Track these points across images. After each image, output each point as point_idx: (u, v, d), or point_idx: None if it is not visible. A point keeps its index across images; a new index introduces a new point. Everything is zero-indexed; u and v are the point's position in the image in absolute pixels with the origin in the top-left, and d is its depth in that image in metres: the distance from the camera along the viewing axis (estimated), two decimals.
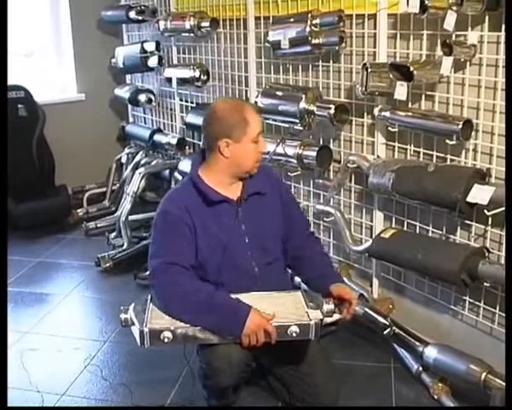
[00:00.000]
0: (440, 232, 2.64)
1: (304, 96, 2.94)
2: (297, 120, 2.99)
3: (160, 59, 4.17)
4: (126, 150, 4.83)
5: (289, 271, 2.42)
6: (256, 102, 3.21)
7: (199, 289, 1.98)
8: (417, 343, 2.49)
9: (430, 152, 2.61)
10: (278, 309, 1.99)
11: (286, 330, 1.92)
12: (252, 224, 2.13)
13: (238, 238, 2.11)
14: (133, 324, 1.98)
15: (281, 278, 2.26)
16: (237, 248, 2.10)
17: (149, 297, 2.08)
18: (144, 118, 4.89)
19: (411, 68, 2.39)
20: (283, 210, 2.24)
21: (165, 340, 1.91)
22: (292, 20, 3.00)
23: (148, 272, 3.42)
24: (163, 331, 1.91)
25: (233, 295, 2.00)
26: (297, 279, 2.58)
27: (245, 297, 2.01)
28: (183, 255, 2.03)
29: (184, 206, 2.07)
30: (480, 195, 2.26)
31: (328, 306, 2.03)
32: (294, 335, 1.92)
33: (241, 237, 2.11)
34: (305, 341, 2.03)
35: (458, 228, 2.55)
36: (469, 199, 2.28)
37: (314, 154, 2.97)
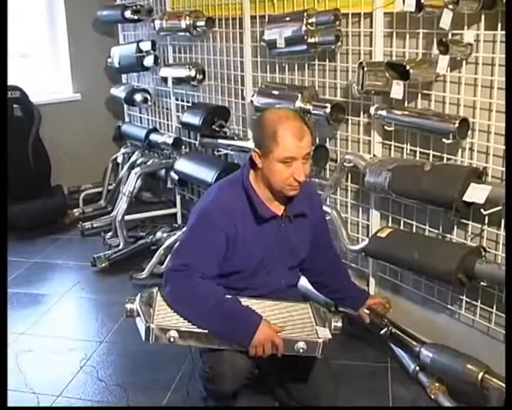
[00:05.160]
0: (437, 231, 2.63)
1: (300, 95, 2.94)
2: None
3: (156, 58, 4.17)
4: (122, 150, 4.81)
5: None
6: (252, 102, 3.21)
7: (212, 295, 1.95)
8: (414, 343, 2.48)
9: (426, 151, 2.60)
10: (286, 320, 2.00)
11: (293, 344, 1.91)
12: (290, 244, 2.12)
13: (274, 256, 2.09)
14: (138, 315, 1.96)
15: (294, 290, 2.29)
16: (271, 264, 2.10)
17: (156, 289, 2.07)
18: (140, 117, 4.88)
19: (407, 67, 2.38)
20: (315, 235, 2.22)
21: (171, 339, 1.89)
22: (288, 19, 2.99)
23: (144, 272, 3.48)
24: (170, 331, 1.89)
25: (244, 302, 1.99)
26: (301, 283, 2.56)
27: (254, 304, 2.00)
28: (208, 266, 1.99)
29: (232, 215, 2.00)
30: (476, 194, 2.25)
31: (337, 324, 2.04)
32: (301, 351, 1.91)
33: (277, 255, 2.10)
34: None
35: (455, 227, 2.55)
36: (466, 198, 2.28)
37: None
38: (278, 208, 2.08)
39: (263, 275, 2.10)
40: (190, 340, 1.93)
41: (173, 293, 1.98)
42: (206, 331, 1.91)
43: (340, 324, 2.04)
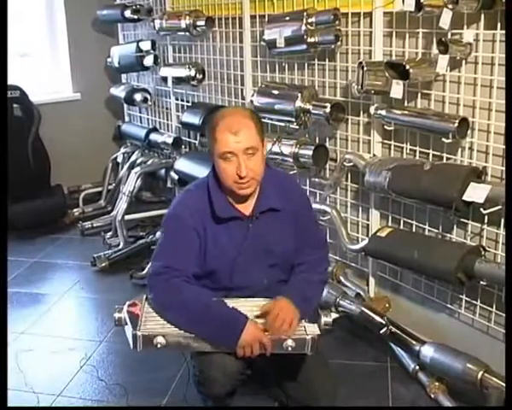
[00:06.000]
0: (436, 231, 2.63)
1: (300, 94, 2.94)
2: (293, 119, 2.99)
3: (156, 58, 4.17)
4: (122, 150, 4.81)
5: None
6: (252, 101, 3.21)
7: (196, 297, 1.95)
8: (414, 342, 2.48)
9: (426, 150, 2.60)
10: None
11: (281, 343, 1.90)
12: (263, 241, 2.07)
13: (248, 254, 2.06)
14: (126, 324, 1.97)
15: None
16: (247, 263, 2.06)
17: (144, 297, 2.07)
18: (140, 117, 4.88)
19: (407, 67, 2.38)
20: (297, 228, 2.13)
21: (158, 345, 1.89)
22: (287, 18, 2.99)
23: (144, 271, 3.48)
24: (156, 337, 1.88)
25: (231, 303, 1.98)
26: None
27: (243, 305, 1.99)
28: (187, 264, 2.00)
29: (198, 213, 2.02)
30: (476, 193, 2.25)
31: (326, 318, 2.02)
32: (290, 349, 1.90)
33: (251, 253, 2.06)
34: None
35: (454, 227, 2.55)
36: (465, 197, 2.28)
37: (310, 152, 2.96)
38: (246, 208, 2.06)
39: (240, 275, 2.06)
40: (178, 345, 1.92)
41: (158, 299, 1.99)
42: (193, 335, 1.90)
43: (330, 319, 2.02)
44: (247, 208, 2.06)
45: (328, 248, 2.38)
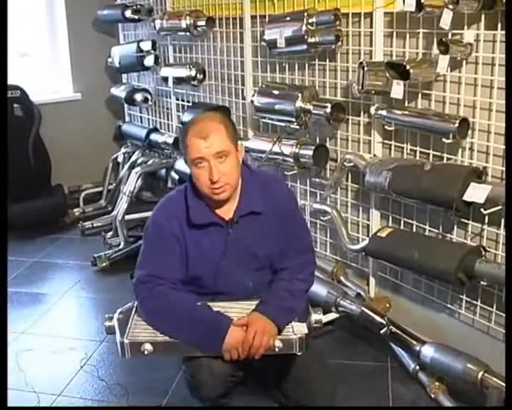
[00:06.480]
0: (437, 231, 2.63)
1: (300, 94, 2.94)
2: (293, 119, 2.99)
3: (157, 58, 4.17)
4: (123, 150, 4.81)
5: None
6: (252, 102, 3.21)
7: (180, 303, 1.94)
8: (414, 342, 2.48)
9: (427, 151, 2.60)
10: None
11: None
12: (244, 245, 2.03)
13: (231, 259, 2.03)
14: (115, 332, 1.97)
15: None
16: (230, 267, 2.04)
17: (135, 304, 2.06)
18: (140, 117, 4.88)
19: (408, 67, 2.38)
20: (281, 230, 2.06)
21: (146, 352, 1.88)
22: (288, 18, 2.99)
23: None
24: (143, 344, 1.88)
25: (220, 306, 1.97)
26: None
27: (229, 308, 1.97)
28: (170, 270, 1.99)
29: (176, 219, 2.00)
30: (476, 193, 2.25)
31: (317, 316, 2.00)
32: (277, 349, 1.88)
33: (233, 257, 2.03)
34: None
35: (455, 227, 2.55)
36: (466, 198, 2.28)
37: (310, 153, 2.96)
38: (226, 212, 2.02)
39: (224, 279, 2.04)
40: (166, 351, 1.92)
41: (144, 307, 1.99)
42: (179, 341, 1.89)
43: (320, 316, 2.00)
44: (227, 213, 2.02)
45: (315, 253, 2.28)
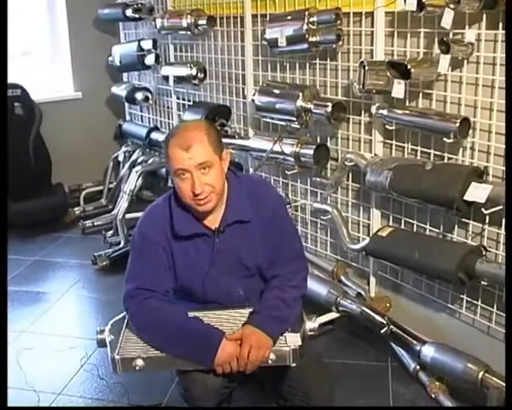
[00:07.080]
0: (437, 231, 2.63)
1: (301, 94, 2.93)
2: (294, 118, 2.98)
3: (157, 57, 4.17)
4: (123, 149, 4.82)
5: None
6: (253, 101, 3.21)
7: (170, 317, 1.90)
8: (414, 342, 2.48)
9: (427, 150, 2.60)
10: None
11: None
12: (232, 254, 1.98)
13: (219, 267, 1.99)
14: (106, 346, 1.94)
15: None
16: (219, 276, 2.00)
17: (127, 317, 2.02)
18: (141, 116, 4.88)
19: (409, 66, 2.38)
20: (270, 237, 2.00)
21: (137, 368, 1.84)
22: (289, 17, 2.99)
23: None
24: (135, 359, 1.84)
25: (208, 316, 1.93)
26: None
27: (221, 317, 1.94)
28: (159, 281, 1.95)
29: (162, 228, 1.96)
30: (477, 193, 2.25)
31: (311, 324, 1.98)
32: (270, 362, 1.84)
33: (222, 266, 1.99)
34: None
35: (455, 226, 2.55)
36: (467, 197, 2.28)
37: (311, 152, 2.96)
38: (213, 222, 1.97)
39: (214, 288, 2.01)
40: (157, 365, 1.89)
41: (134, 321, 1.95)
42: (171, 356, 1.86)
43: (315, 324, 1.97)
44: (213, 222, 1.98)
45: (306, 258, 2.24)
